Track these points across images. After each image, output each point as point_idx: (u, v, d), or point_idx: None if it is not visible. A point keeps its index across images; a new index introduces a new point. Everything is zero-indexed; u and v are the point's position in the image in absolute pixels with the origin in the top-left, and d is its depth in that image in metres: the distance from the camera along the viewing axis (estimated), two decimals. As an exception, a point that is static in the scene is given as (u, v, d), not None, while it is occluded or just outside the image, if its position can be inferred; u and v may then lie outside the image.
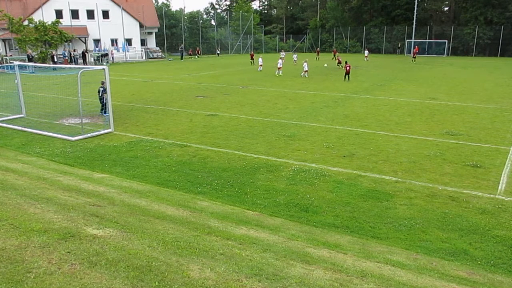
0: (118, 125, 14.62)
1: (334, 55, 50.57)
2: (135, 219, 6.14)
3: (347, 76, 28.25)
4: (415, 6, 59.27)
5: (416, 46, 52.05)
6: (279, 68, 32.16)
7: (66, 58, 41.68)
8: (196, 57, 57.54)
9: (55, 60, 39.05)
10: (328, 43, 72.09)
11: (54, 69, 26.97)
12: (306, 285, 4.28)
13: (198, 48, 61.16)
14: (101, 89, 15.76)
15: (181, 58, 54.43)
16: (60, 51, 43.29)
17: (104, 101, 15.67)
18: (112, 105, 14.55)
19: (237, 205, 7.96)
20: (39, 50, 40.60)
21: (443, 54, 59.11)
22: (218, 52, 64.99)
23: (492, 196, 8.42)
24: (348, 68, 28.23)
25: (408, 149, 11.69)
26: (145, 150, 11.64)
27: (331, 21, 72.28)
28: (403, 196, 8.36)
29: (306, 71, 30.13)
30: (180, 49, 56.64)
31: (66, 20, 45.26)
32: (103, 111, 16.24)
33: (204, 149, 11.76)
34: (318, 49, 60.34)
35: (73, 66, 30.17)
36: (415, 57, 46.21)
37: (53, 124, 15.00)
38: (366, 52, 49.79)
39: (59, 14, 45.84)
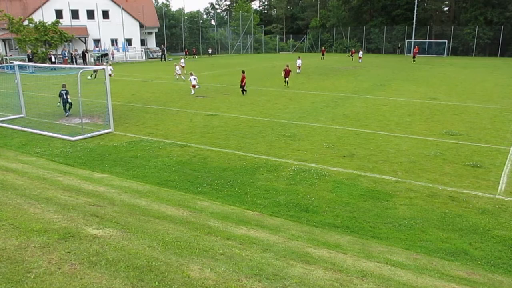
0: (118, 125, 14.62)
1: (352, 55, 49.42)
2: (135, 219, 6.14)
3: (286, 81, 24.75)
4: (415, 6, 59.25)
5: (416, 46, 51.97)
6: (179, 74, 28.21)
7: (66, 58, 41.67)
8: (195, 57, 57.34)
9: (53, 60, 39.03)
10: (329, 43, 72.08)
11: (54, 69, 26.99)
12: (306, 285, 4.28)
13: (194, 48, 60.67)
14: (63, 92, 16.42)
15: (162, 59, 51.13)
16: (58, 51, 43.27)
17: (69, 101, 16.52)
18: (112, 105, 14.57)
19: (237, 205, 7.96)
20: (38, 50, 40.60)
21: (443, 54, 59.11)
22: (210, 51, 62.25)
23: (492, 196, 8.42)
24: (287, 72, 24.60)
25: (408, 149, 11.69)
26: (145, 150, 11.64)
27: (332, 19, 72.21)
28: (403, 196, 8.36)
29: (194, 86, 22.48)
30: (161, 49, 53.69)
31: (66, 20, 45.28)
32: (67, 111, 16.77)
33: (204, 149, 11.76)
34: (323, 48, 58.30)
35: (73, 66, 30.17)
36: (415, 58, 46.04)
37: (53, 124, 15.00)
38: (360, 52, 47.09)
39: (59, 14, 45.87)
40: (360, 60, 45.50)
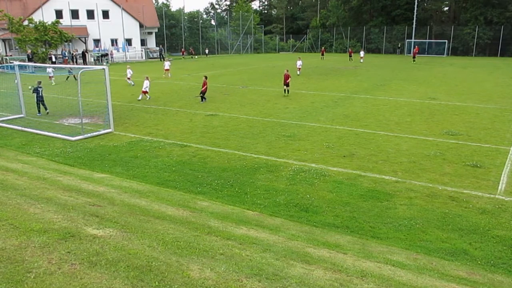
0: (118, 125, 14.62)
1: (350, 56, 49.25)
2: (135, 219, 6.14)
3: (285, 88, 21.72)
4: (415, 6, 59.25)
5: (416, 46, 51.98)
6: (144, 92, 20.73)
7: (66, 58, 41.67)
8: (195, 57, 57.26)
9: (54, 60, 39.03)
10: (329, 43, 72.08)
11: (54, 69, 26.95)
12: (306, 285, 4.28)
13: (192, 48, 60.51)
14: (40, 89, 16.53)
15: (161, 59, 50.37)
16: (58, 51, 43.26)
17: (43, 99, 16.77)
18: (112, 105, 14.57)
19: (237, 205, 7.96)
20: (38, 50, 40.59)
21: (443, 54, 59.11)
22: (207, 52, 61.81)
23: (492, 196, 8.42)
24: (286, 76, 21.60)
25: (408, 149, 11.69)
26: (145, 150, 11.64)
27: (332, 19, 72.17)
28: (403, 196, 8.36)
29: (145, 92, 20.66)
30: (159, 49, 53.58)
31: (66, 20, 45.27)
32: (45, 110, 16.90)
33: (204, 149, 11.76)
34: (323, 48, 58.18)
35: (73, 66, 30.17)
36: (415, 58, 46.03)
37: (53, 124, 15.00)
38: (362, 53, 47.30)
39: (59, 14, 45.86)
40: (361, 60, 45.48)
